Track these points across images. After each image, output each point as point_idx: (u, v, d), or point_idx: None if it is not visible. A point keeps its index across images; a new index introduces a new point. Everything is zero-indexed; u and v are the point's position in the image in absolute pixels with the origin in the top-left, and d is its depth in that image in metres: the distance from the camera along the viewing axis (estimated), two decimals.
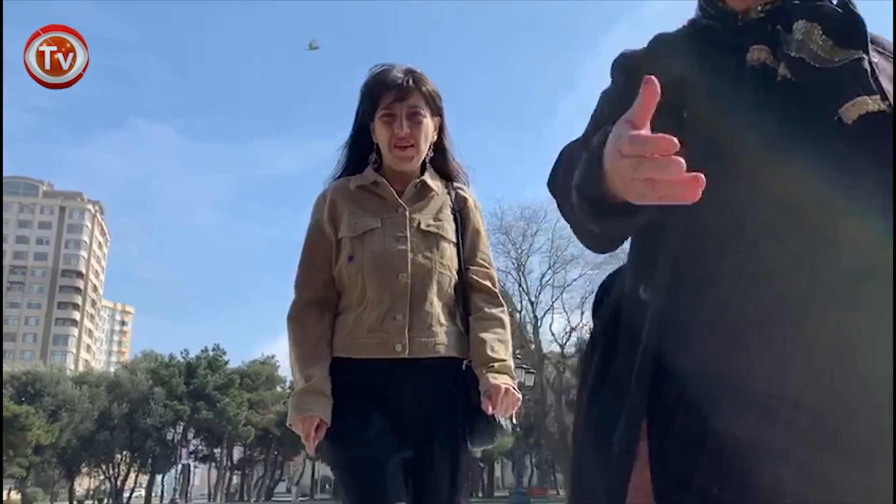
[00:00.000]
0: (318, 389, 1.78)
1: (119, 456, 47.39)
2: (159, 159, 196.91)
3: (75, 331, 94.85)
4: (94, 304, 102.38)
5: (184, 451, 44.89)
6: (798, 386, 0.72)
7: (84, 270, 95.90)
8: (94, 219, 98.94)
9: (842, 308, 0.77)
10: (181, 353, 48.66)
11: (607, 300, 1.00)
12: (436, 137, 1.97)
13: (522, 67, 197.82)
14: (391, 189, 1.90)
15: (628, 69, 1.04)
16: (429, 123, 1.92)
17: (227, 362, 48.17)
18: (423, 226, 1.86)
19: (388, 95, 1.88)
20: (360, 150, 1.97)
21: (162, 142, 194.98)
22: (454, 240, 1.88)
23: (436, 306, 1.84)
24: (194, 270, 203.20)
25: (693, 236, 0.87)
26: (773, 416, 0.71)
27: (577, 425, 0.95)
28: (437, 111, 1.95)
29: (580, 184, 0.88)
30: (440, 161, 1.99)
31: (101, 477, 48.60)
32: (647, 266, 0.92)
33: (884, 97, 0.85)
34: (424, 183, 1.94)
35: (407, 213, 1.88)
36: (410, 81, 1.89)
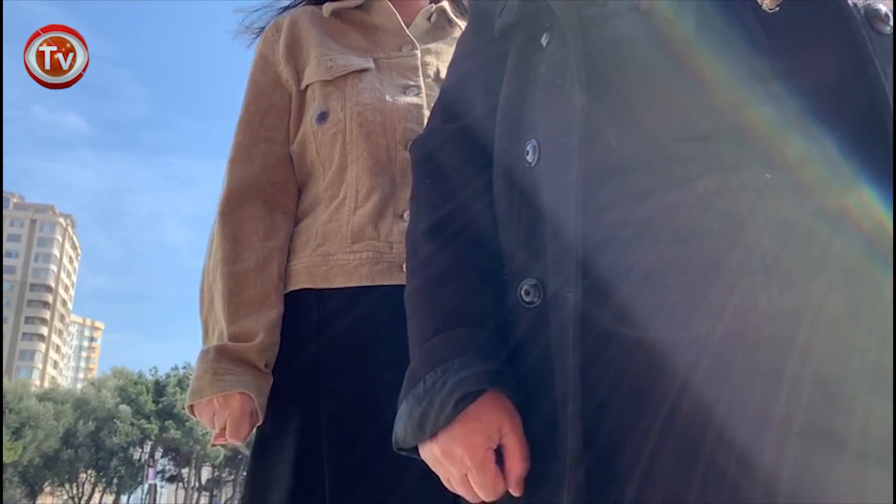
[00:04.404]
0: (246, 357, 1.05)
1: (84, 475, 46.35)
2: (129, 173, 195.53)
3: (42, 346, 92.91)
4: (62, 318, 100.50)
5: (151, 470, 44.03)
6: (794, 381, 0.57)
7: (53, 284, 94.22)
8: (66, 232, 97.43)
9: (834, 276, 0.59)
10: (150, 370, 47.97)
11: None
12: None
13: None
14: (395, 15, 1.19)
15: (477, 11, 0.86)
16: None
17: None
18: (444, 75, 1.06)
19: None
20: None
21: (131, 156, 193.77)
22: None
23: None
24: (165, 287, 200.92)
25: (598, 190, 0.64)
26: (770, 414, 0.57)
27: None
28: None
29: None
30: None
31: (65, 497, 47.46)
32: (529, 249, 0.69)
33: None
34: (444, 13, 1.24)
35: (418, 54, 1.17)
36: None
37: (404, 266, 1.01)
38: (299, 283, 1.10)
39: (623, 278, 0.62)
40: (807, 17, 0.64)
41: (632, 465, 0.60)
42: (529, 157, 0.69)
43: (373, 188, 1.08)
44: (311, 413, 1.05)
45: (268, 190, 1.14)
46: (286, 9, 1.25)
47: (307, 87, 1.15)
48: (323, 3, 1.22)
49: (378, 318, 1.05)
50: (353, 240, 1.07)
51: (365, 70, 1.13)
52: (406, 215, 1.06)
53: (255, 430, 1.11)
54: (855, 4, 0.64)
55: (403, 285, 1.02)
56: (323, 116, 1.11)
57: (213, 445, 1.09)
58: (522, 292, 0.67)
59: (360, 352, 1.05)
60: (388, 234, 1.07)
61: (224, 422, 1.06)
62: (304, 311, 1.09)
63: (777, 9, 0.63)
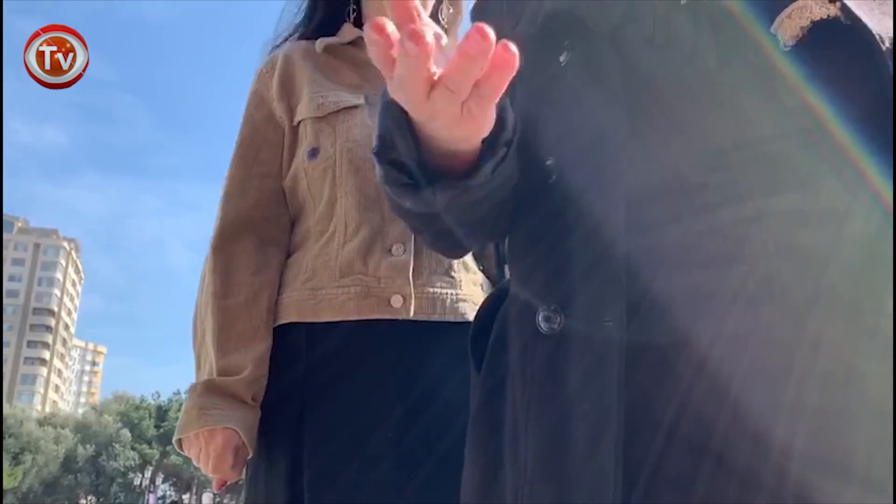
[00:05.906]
0: (233, 390, 1.05)
1: (84, 501, 46.05)
2: (133, 198, 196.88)
3: (44, 370, 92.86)
4: (65, 343, 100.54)
5: (151, 496, 43.75)
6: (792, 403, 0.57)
7: (56, 308, 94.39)
8: (69, 256, 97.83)
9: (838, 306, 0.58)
10: (152, 395, 47.87)
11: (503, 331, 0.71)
12: None
13: None
14: None
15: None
16: None
17: None
18: None
19: None
20: (331, 4, 1.26)
21: (135, 181, 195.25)
22: None
23: None
24: (168, 311, 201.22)
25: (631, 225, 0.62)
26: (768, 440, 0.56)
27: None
28: None
29: (379, 136, 0.62)
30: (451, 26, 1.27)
31: None
32: (548, 279, 0.65)
33: None
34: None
35: None
36: None
37: (392, 300, 1.06)
38: (288, 316, 1.11)
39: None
40: (828, 51, 0.61)
41: (634, 480, 0.58)
42: (552, 178, 0.67)
43: (361, 223, 1.09)
44: (297, 444, 1.06)
45: (261, 224, 1.16)
46: (279, 45, 1.27)
47: (299, 123, 1.17)
48: (316, 39, 1.23)
49: (364, 352, 1.06)
50: (342, 274, 1.08)
51: (355, 106, 1.14)
52: (394, 249, 1.08)
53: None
54: (879, 36, 0.61)
55: (390, 319, 1.06)
56: (314, 153, 1.13)
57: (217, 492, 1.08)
58: (541, 319, 0.63)
59: (344, 385, 1.06)
60: (377, 268, 1.08)
61: (209, 459, 1.06)
62: (292, 345, 1.10)
63: (795, 43, 0.61)
